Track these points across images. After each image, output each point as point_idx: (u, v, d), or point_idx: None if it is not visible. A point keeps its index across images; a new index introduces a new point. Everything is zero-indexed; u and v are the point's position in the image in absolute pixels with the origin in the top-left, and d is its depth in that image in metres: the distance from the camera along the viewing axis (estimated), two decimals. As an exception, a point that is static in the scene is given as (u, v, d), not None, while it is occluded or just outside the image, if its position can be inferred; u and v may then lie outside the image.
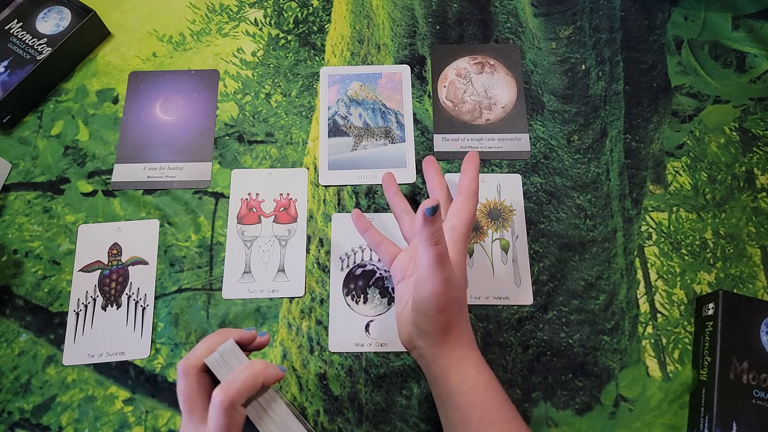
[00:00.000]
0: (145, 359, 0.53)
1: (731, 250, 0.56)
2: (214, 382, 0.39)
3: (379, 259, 0.56)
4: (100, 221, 0.58)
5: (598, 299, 0.55)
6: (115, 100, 0.63)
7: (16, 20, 0.64)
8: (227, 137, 0.61)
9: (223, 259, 0.57)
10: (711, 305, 0.52)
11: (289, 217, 0.58)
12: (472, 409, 0.42)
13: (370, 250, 0.56)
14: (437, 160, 0.60)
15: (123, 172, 0.60)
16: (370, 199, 0.59)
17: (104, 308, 0.55)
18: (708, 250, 0.57)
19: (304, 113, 0.62)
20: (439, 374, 0.43)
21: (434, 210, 0.38)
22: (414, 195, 0.59)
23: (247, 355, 0.41)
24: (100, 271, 0.56)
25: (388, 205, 0.58)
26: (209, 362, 0.39)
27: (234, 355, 0.39)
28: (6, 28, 0.64)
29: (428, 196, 0.58)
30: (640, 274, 0.56)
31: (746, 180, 0.59)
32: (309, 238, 0.57)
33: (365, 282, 0.55)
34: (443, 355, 0.43)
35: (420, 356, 0.45)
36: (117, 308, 0.55)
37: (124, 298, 0.55)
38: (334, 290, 0.55)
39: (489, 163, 0.60)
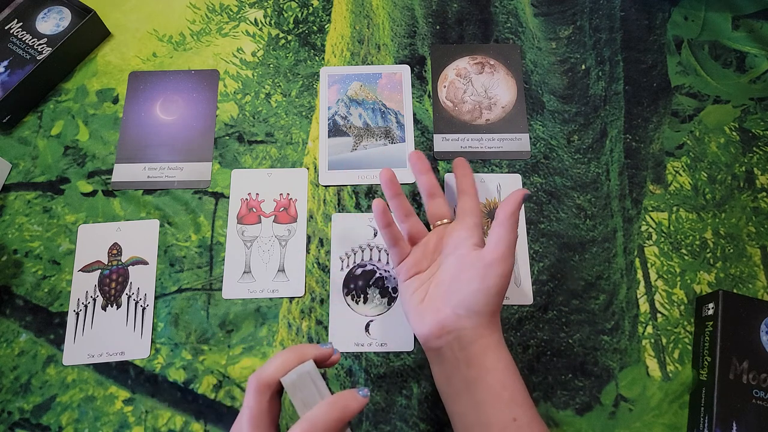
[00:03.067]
0: (145, 359, 0.53)
1: (731, 250, 0.56)
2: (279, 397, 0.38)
3: (379, 259, 0.56)
4: (100, 221, 0.58)
5: (598, 299, 0.55)
6: (115, 100, 0.63)
7: (16, 20, 0.64)
8: (227, 137, 0.61)
9: (223, 259, 0.57)
10: (711, 305, 0.52)
11: (289, 217, 0.58)
12: (505, 388, 0.43)
13: (370, 249, 0.56)
14: (437, 160, 0.60)
15: (123, 172, 0.60)
16: (370, 199, 0.59)
17: (104, 308, 0.55)
18: (708, 250, 0.57)
19: (304, 113, 0.62)
20: (477, 353, 0.43)
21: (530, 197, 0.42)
22: (414, 195, 0.59)
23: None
24: (100, 271, 0.56)
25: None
26: (286, 384, 0.37)
27: (312, 380, 0.37)
28: (6, 28, 0.64)
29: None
30: (640, 274, 0.56)
31: (746, 180, 0.59)
32: (309, 238, 0.57)
33: (365, 282, 0.55)
34: (487, 335, 0.44)
35: (457, 339, 0.44)
36: (117, 308, 0.55)
37: (124, 298, 0.55)
38: (334, 290, 0.55)
39: (489, 163, 0.60)
